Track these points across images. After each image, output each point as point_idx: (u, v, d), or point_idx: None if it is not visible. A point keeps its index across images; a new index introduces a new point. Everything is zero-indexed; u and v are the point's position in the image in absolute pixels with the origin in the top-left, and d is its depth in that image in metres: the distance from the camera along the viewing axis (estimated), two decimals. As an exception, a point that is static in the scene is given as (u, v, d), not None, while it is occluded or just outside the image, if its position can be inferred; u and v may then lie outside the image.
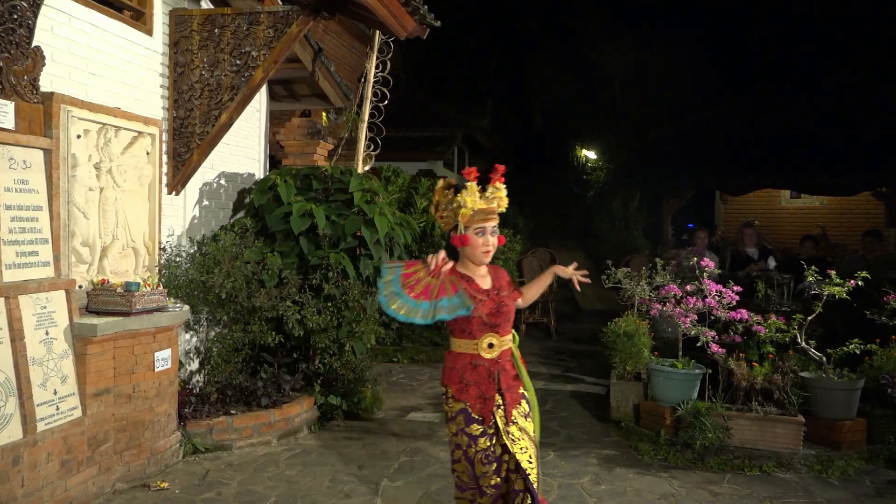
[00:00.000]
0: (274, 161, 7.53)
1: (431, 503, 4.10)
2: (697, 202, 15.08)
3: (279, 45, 5.09)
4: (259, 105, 6.58)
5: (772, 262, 7.80)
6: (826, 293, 5.17)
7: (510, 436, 2.85)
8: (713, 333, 5.32)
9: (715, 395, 5.27)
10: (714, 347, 5.24)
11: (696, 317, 5.44)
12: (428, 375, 7.55)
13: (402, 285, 2.73)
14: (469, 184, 2.86)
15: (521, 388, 2.99)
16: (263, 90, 6.60)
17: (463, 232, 2.89)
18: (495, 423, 2.85)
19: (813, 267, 5.37)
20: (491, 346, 2.89)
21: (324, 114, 8.06)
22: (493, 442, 2.85)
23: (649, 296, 5.87)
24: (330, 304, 5.57)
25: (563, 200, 15.92)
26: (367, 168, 7.35)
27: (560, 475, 4.58)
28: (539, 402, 6.42)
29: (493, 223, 2.90)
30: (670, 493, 4.32)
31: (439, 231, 8.28)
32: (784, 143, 11.36)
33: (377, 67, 7.41)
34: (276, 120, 7.52)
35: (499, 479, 2.85)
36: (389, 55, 7.42)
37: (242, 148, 6.35)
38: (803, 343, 5.27)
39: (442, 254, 2.77)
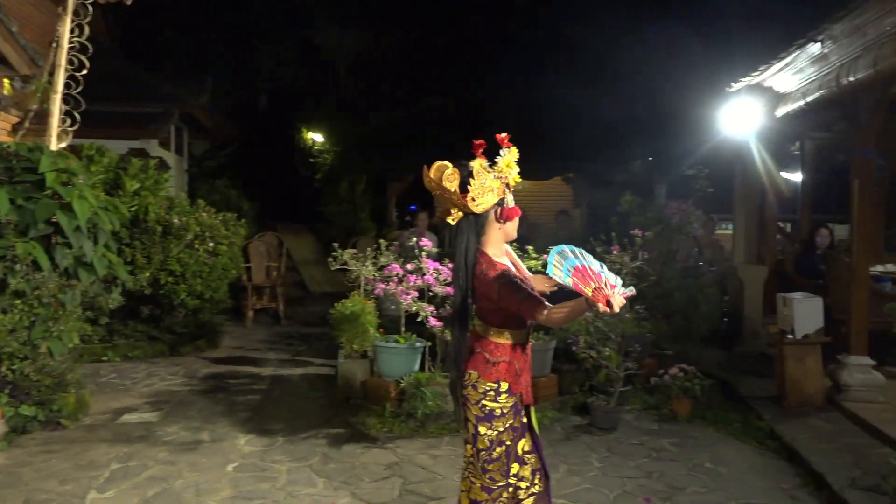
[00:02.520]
0: (-62, 135, 6.27)
1: (149, 509, 3.82)
2: (419, 185, 15.94)
3: (-64, -6, 4.25)
4: (-88, 65, 5.44)
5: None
6: (524, 267, 5.82)
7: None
8: (432, 308, 5.68)
9: (434, 365, 5.66)
10: (432, 321, 5.60)
11: (416, 294, 5.76)
12: (145, 372, 6.97)
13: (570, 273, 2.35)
14: (504, 150, 2.70)
15: None
16: (-83, 48, 5.46)
17: (510, 205, 2.68)
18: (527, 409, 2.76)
19: (514, 243, 6.01)
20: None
21: (6, 81, 6.90)
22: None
23: (374, 276, 6.08)
24: (19, 302, 4.86)
25: (291, 183, 15.68)
26: (63, 145, 6.48)
27: (289, 460, 4.57)
28: (268, 390, 6.39)
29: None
30: (395, 462, 4.56)
31: (154, 217, 7.63)
32: (492, 133, 12.53)
33: (72, 32, 6.56)
34: (-61, 86, 6.27)
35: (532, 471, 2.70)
36: (88, 19, 6.59)
37: None
38: (508, 312, 5.87)
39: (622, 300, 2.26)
